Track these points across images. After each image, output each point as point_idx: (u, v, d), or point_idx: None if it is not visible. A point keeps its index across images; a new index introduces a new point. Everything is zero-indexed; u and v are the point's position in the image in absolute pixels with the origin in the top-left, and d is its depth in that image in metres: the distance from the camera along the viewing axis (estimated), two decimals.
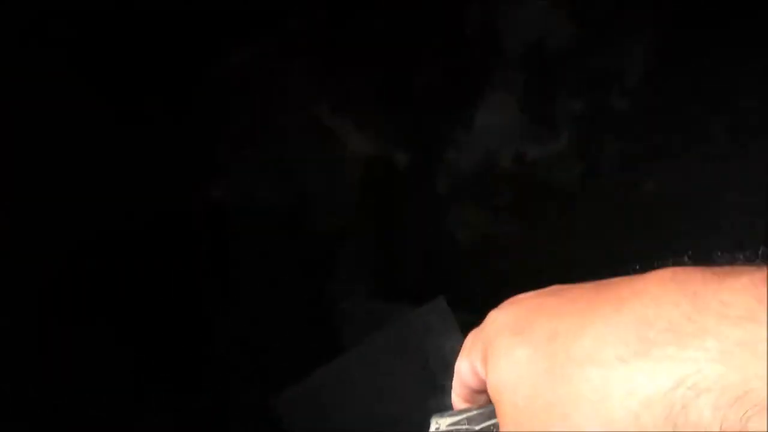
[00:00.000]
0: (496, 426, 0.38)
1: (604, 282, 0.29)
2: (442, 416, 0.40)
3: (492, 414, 0.37)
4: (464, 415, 0.41)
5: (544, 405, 0.25)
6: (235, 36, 0.96)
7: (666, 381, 0.22)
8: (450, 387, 0.36)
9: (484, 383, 0.32)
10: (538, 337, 0.27)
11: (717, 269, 0.25)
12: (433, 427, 0.42)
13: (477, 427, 0.38)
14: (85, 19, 0.79)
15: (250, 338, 0.95)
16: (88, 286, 0.80)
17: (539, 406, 0.26)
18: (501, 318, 0.30)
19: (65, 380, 0.70)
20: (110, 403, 0.77)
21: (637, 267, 0.29)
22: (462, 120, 1.07)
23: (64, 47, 0.78)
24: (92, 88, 0.82)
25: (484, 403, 0.38)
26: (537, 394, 0.26)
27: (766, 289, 0.22)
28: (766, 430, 0.20)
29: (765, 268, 0.23)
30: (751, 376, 0.21)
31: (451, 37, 1.04)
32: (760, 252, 0.25)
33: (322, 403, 0.86)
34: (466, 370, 0.33)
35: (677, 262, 0.28)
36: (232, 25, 0.93)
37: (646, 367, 0.23)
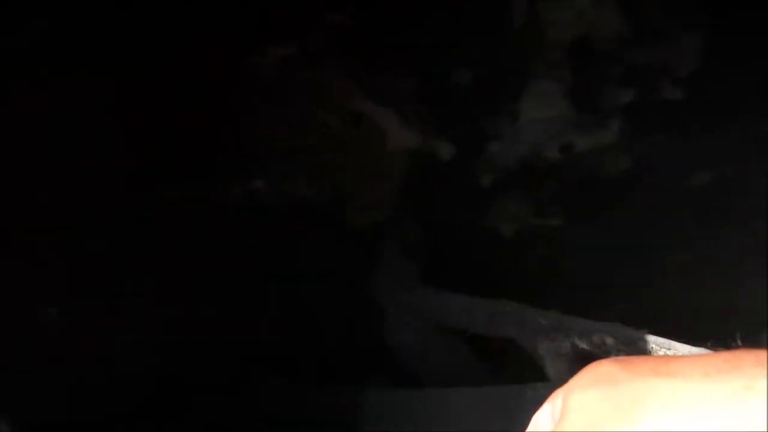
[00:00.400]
0: None
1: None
2: None
3: None
4: None
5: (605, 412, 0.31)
6: (274, 31, 0.97)
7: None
8: None
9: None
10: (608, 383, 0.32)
11: None
12: None
13: None
14: (122, 13, 0.81)
15: (289, 336, 0.97)
16: (121, 276, 0.83)
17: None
18: (580, 377, 0.35)
19: (78, 378, 0.72)
20: (127, 402, 0.79)
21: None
22: (506, 112, 1.06)
23: (98, 35, 0.80)
24: (129, 80, 0.84)
25: None
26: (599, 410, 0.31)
27: None
28: None
29: None
30: None
31: (496, 29, 1.02)
32: None
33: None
34: (544, 413, 0.37)
35: None
36: (272, 20, 0.94)
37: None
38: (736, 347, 0.33)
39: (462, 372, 0.94)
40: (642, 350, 0.63)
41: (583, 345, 0.68)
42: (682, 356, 0.33)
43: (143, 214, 0.89)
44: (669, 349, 0.63)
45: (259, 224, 1.00)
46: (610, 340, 0.65)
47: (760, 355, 0.29)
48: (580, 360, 0.67)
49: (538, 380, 0.71)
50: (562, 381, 0.35)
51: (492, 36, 1.02)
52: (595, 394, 0.31)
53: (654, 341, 0.64)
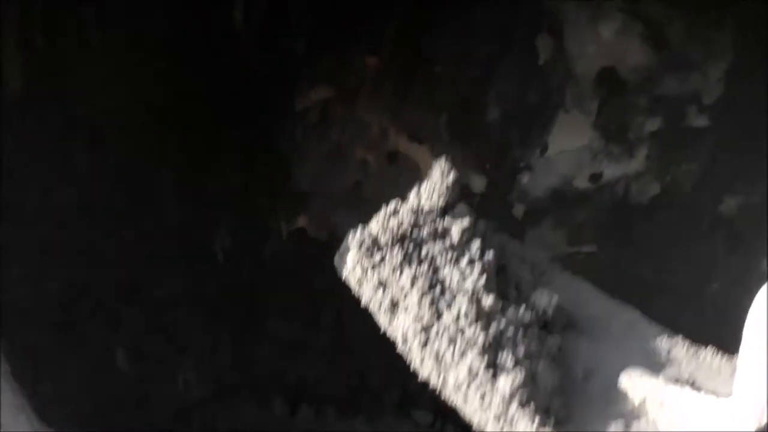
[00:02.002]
0: None
1: None
2: None
3: None
4: None
5: None
6: (316, 76, 1.04)
7: None
8: None
9: None
10: None
11: None
12: None
13: None
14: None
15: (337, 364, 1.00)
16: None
17: None
18: None
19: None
20: None
21: None
22: (536, 144, 1.10)
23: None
24: (193, 131, 0.91)
25: None
26: None
27: None
28: None
29: None
30: None
31: (524, 66, 1.07)
32: None
33: None
34: None
35: None
36: (314, 66, 1.01)
37: None
38: None
39: None
40: None
41: None
42: None
43: (202, 268, 0.94)
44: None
45: (307, 258, 1.05)
46: None
47: None
48: None
49: None
50: None
51: (519, 72, 1.06)
52: None
53: None
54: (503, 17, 1.04)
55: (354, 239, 0.56)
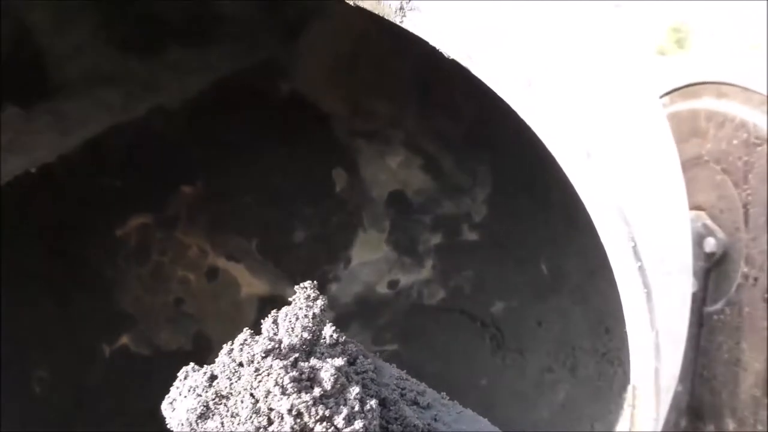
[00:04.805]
0: None
1: None
2: None
3: None
4: None
5: None
6: (136, 204, 1.13)
7: None
8: None
9: None
10: None
11: None
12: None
13: None
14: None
15: None
16: None
17: None
18: None
19: None
20: None
21: None
22: (341, 258, 1.26)
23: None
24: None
25: None
26: None
27: None
28: None
29: None
30: None
31: (324, 195, 1.24)
32: None
33: None
34: None
35: None
36: (134, 195, 1.11)
37: None
38: None
39: None
40: None
41: None
42: None
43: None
44: None
45: (129, 376, 1.10)
46: None
47: None
48: None
49: None
50: None
51: (320, 200, 1.23)
52: None
53: None
54: (302, 155, 1.21)
55: (187, 384, 0.42)
